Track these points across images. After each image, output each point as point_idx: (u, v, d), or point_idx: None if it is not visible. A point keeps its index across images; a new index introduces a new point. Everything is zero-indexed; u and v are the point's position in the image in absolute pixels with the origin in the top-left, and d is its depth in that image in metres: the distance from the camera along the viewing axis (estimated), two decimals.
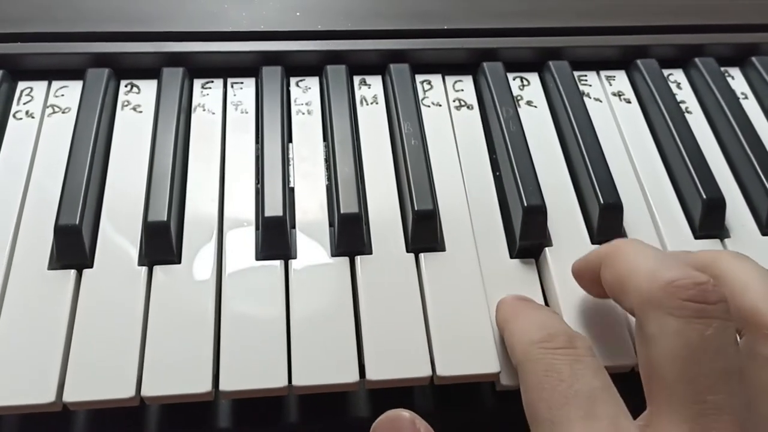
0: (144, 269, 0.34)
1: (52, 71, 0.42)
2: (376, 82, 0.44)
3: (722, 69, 0.46)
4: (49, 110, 0.41)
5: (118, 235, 0.36)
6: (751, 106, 0.45)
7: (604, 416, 0.25)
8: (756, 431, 0.26)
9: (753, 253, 0.37)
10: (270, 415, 0.36)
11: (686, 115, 0.43)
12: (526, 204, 0.36)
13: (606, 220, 0.37)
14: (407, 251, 0.36)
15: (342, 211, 0.35)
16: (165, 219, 0.35)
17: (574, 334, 0.29)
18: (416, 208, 0.36)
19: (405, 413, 0.27)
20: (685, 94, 0.45)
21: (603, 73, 0.46)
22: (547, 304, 0.35)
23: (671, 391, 0.25)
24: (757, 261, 0.36)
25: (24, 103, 0.41)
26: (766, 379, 0.27)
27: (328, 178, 0.38)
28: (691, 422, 0.24)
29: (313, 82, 0.43)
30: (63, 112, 0.41)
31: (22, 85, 0.42)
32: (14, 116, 0.40)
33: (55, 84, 0.42)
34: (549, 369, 0.27)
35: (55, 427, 0.35)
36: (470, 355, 0.33)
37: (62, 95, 0.41)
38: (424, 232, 0.36)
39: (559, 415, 0.25)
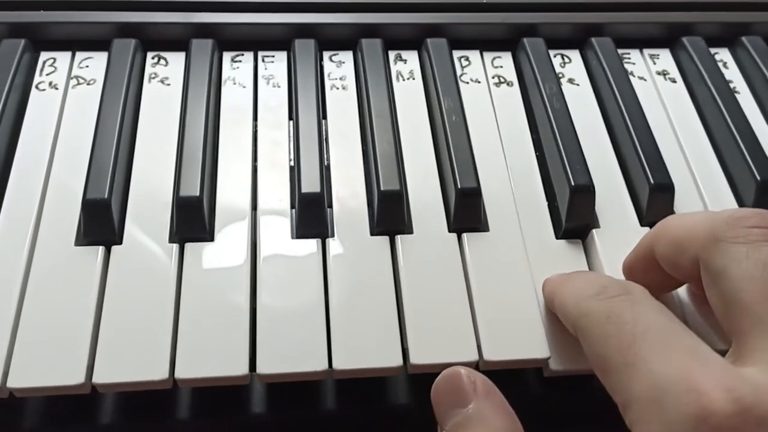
0: (175, 246, 0.33)
1: (76, 41, 0.41)
2: (412, 57, 0.42)
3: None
4: (74, 81, 0.39)
5: (148, 211, 0.34)
6: None
7: (679, 346, 0.24)
8: None
9: None
10: (306, 400, 0.34)
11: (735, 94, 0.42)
12: (573, 183, 0.35)
13: (656, 201, 0.35)
14: (449, 231, 0.34)
15: (383, 188, 0.34)
16: (198, 194, 0.33)
17: (627, 283, 0.28)
18: (459, 186, 0.34)
19: (461, 369, 0.27)
20: (731, 73, 0.43)
21: (646, 51, 0.44)
22: None
23: (756, 314, 0.24)
24: None
25: (47, 74, 0.39)
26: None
27: (366, 155, 0.37)
28: None
29: (347, 57, 0.42)
30: (88, 84, 0.39)
31: (45, 55, 0.40)
32: (37, 87, 0.39)
33: (80, 55, 0.40)
34: (610, 315, 0.26)
35: (84, 408, 0.34)
36: (518, 339, 0.31)
37: (87, 66, 0.40)
38: (467, 211, 0.34)
39: (631, 354, 0.24)
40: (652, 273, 0.31)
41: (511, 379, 0.35)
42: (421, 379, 0.33)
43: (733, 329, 0.25)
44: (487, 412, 0.26)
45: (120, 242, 0.33)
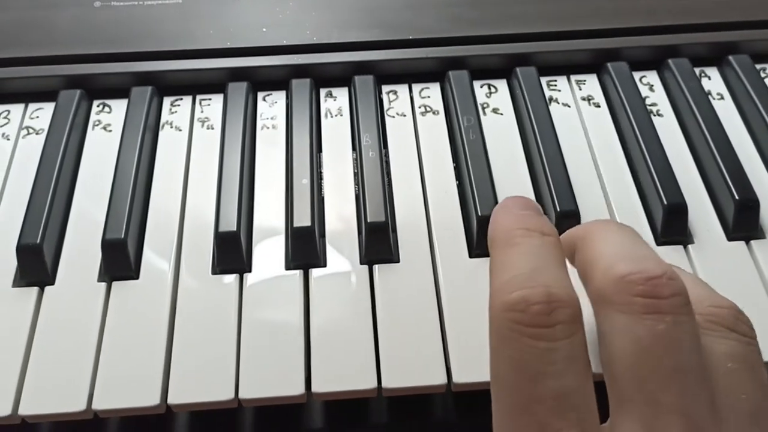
0: (104, 286, 0.35)
1: (29, 94, 0.44)
2: (342, 94, 0.44)
3: (699, 69, 0.45)
4: (24, 132, 0.42)
5: (81, 252, 0.37)
6: (727, 107, 0.44)
7: (572, 418, 0.23)
8: (720, 428, 0.24)
9: (718, 259, 0.37)
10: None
11: (658, 117, 0.43)
12: (479, 214, 0.36)
13: (562, 227, 0.36)
14: (360, 263, 0.36)
15: (295, 225, 0.36)
16: (123, 236, 0.36)
17: (556, 296, 0.24)
18: (368, 220, 0.36)
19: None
20: (657, 96, 0.44)
21: (574, 78, 0.45)
22: None
23: (623, 392, 0.24)
24: (722, 267, 0.36)
25: (1, 126, 0.42)
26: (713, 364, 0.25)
27: (287, 191, 0.39)
28: (642, 425, 0.23)
29: (279, 96, 0.44)
30: (37, 134, 0.42)
31: (0, 108, 0.43)
32: None
33: (32, 106, 0.43)
34: (517, 360, 0.24)
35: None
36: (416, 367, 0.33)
37: (37, 117, 0.43)
38: (377, 245, 0.36)
39: (519, 420, 0.24)
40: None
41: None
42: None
43: (609, 397, 0.25)
44: None
45: (53, 283, 0.36)
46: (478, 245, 0.36)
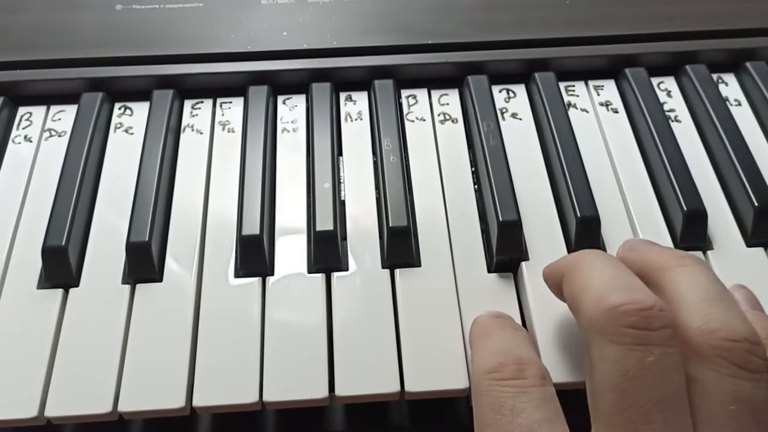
0: (128, 288, 0.36)
1: (51, 96, 0.44)
2: (362, 98, 0.44)
3: (716, 75, 0.46)
4: (46, 134, 0.42)
5: (105, 254, 0.37)
6: (744, 113, 0.44)
7: None
8: None
9: (736, 265, 0.37)
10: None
11: (676, 123, 0.43)
12: (501, 219, 0.36)
13: (583, 233, 0.37)
14: (383, 267, 0.36)
15: (317, 229, 0.36)
16: (147, 239, 0.36)
17: (527, 361, 0.28)
18: (390, 225, 0.36)
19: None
20: (675, 102, 0.44)
21: (591, 83, 0.45)
22: (523, 318, 0.35)
23: (606, 420, 0.25)
24: (741, 273, 0.36)
25: (23, 128, 0.43)
26: (693, 399, 0.25)
27: (308, 195, 0.39)
28: None
29: (299, 100, 0.44)
30: (59, 136, 0.42)
31: (22, 110, 0.44)
32: (13, 141, 0.42)
33: (54, 108, 0.44)
34: (493, 403, 0.27)
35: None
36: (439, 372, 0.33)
37: (59, 119, 0.43)
38: (398, 248, 0.36)
39: None
40: (562, 295, 0.31)
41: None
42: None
43: (593, 425, 0.26)
44: None
45: (77, 285, 0.36)
46: (499, 250, 0.36)
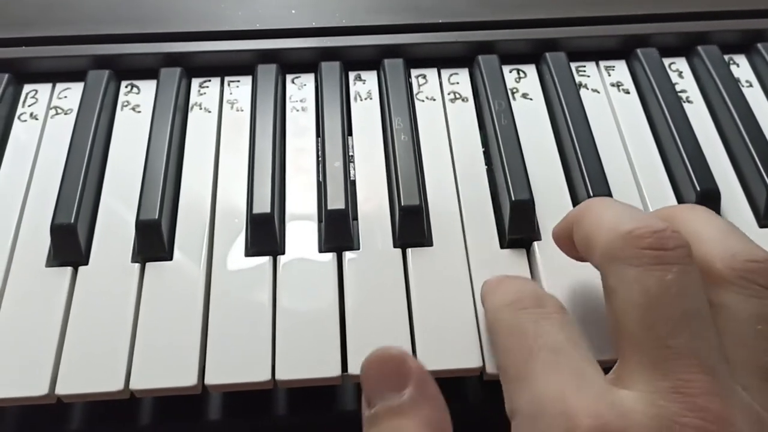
0: (137, 267, 0.35)
1: (57, 74, 0.43)
2: (371, 78, 0.44)
3: (727, 56, 0.45)
4: (52, 112, 0.42)
5: (114, 233, 0.37)
6: (755, 94, 0.44)
7: (565, 367, 0.25)
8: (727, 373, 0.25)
9: None
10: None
11: (687, 104, 0.43)
12: (513, 198, 0.36)
13: None
14: (394, 246, 0.36)
15: (329, 207, 0.36)
16: (157, 217, 0.36)
17: (544, 295, 0.29)
18: (402, 203, 0.36)
19: (403, 353, 0.27)
20: (686, 83, 0.44)
21: (602, 64, 0.45)
22: None
23: (633, 340, 0.25)
24: None
25: (29, 106, 0.42)
26: (720, 325, 0.25)
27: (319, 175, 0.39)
28: (653, 369, 0.24)
29: (308, 79, 0.44)
30: (65, 114, 0.42)
31: (27, 87, 0.43)
32: (19, 118, 0.42)
33: (59, 86, 0.43)
34: (514, 328, 0.27)
35: (57, 418, 0.37)
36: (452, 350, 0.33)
37: (65, 97, 0.43)
38: (410, 228, 0.36)
39: (524, 370, 0.25)
40: (574, 250, 0.31)
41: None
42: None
43: (617, 349, 0.26)
44: (422, 402, 0.26)
45: (86, 263, 0.36)
46: (511, 230, 0.36)
